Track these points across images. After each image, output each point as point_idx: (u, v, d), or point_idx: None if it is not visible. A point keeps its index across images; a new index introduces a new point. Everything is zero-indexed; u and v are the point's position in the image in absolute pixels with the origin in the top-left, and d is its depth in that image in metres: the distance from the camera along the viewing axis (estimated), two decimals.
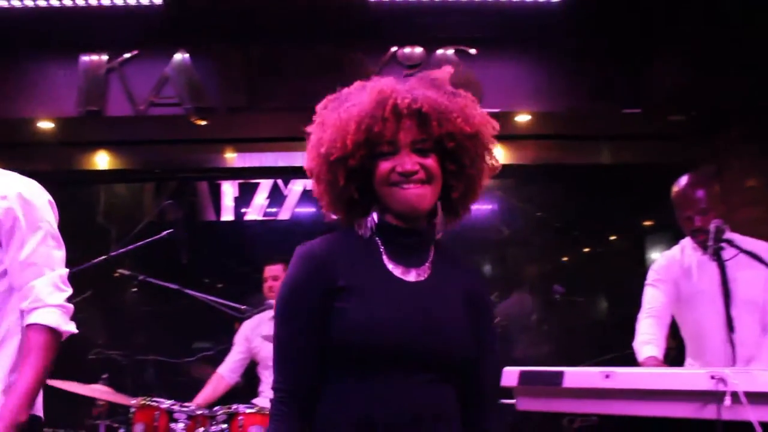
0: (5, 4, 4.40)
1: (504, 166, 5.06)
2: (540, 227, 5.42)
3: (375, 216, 1.53)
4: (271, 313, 4.40)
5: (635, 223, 5.51)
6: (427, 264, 1.54)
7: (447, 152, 1.49)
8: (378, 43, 4.66)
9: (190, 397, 3.83)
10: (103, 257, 3.71)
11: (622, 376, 2.19)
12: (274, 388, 1.49)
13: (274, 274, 4.36)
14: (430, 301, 1.49)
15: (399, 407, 1.42)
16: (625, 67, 4.67)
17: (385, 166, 1.47)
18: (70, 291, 2.03)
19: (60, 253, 2.06)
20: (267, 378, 4.37)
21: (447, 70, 1.67)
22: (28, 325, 1.93)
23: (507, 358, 5.14)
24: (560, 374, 2.36)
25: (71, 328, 2.01)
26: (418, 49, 4.67)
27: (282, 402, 1.47)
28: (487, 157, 1.57)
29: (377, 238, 1.53)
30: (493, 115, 4.75)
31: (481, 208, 5.52)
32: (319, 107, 1.62)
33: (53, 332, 1.94)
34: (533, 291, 5.35)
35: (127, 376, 4.22)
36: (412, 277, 1.51)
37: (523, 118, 4.79)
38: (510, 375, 2.50)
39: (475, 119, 1.53)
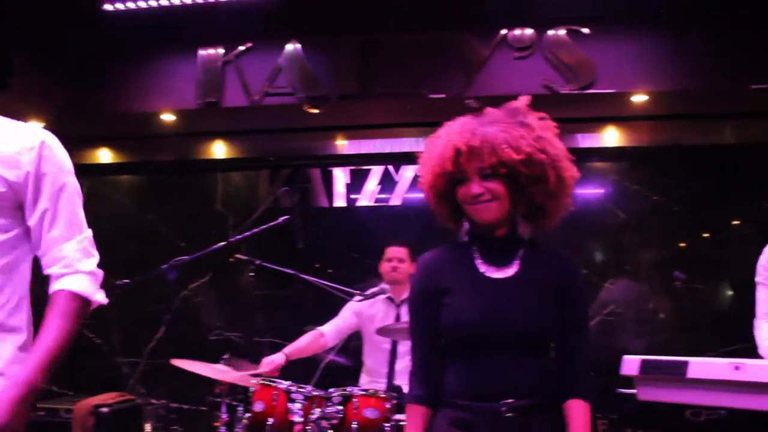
0: (131, 5, 4.65)
1: (618, 148, 4.91)
2: (657, 211, 5.20)
3: (467, 225, 1.95)
4: (383, 297, 4.45)
5: (760, 206, 5.20)
6: (516, 261, 1.91)
7: (508, 175, 1.82)
8: (488, 27, 4.59)
9: (304, 379, 3.94)
10: (223, 243, 3.87)
11: (753, 369, 2.09)
12: (411, 365, 1.99)
13: (400, 256, 4.34)
14: (511, 292, 1.87)
15: (496, 379, 1.82)
16: (750, 40, 4.39)
17: (461, 190, 1.87)
18: (97, 256, 1.85)
19: (83, 213, 1.85)
20: (371, 361, 4.43)
21: (524, 100, 2.02)
22: (57, 291, 1.76)
23: (622, 347, 5.00)
24: (684, 364, 2.28)
25: (101, 298, 1.83)
26: (529, 31, 4.57)
27: (413, 373, 1.97)
28: (552, 174, 1.86)
29: (472, 245, 1.94)
30: (608, 96, 4.60)
31: (594, 192, 5.37)
32: (426, 142, 2.00)
33: (84, 301, 1.78)
34: (650, 277, 5.16)
35: (245, 357, 4.37)
36: (499, 274, 1.90)
37: (639, 98, 4.61)
38: (630, 364, 2.43)
39: (525, 147, 1.82)
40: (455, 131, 1.89)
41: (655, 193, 5.18)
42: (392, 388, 4.15)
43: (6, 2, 4.50)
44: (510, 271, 1.90)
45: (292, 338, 5.36)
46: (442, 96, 4.58)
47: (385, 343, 4.34)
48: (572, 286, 1.94)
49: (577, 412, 1.87)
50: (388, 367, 4.29)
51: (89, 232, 1.85)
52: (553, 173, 1.86)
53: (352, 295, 4.27)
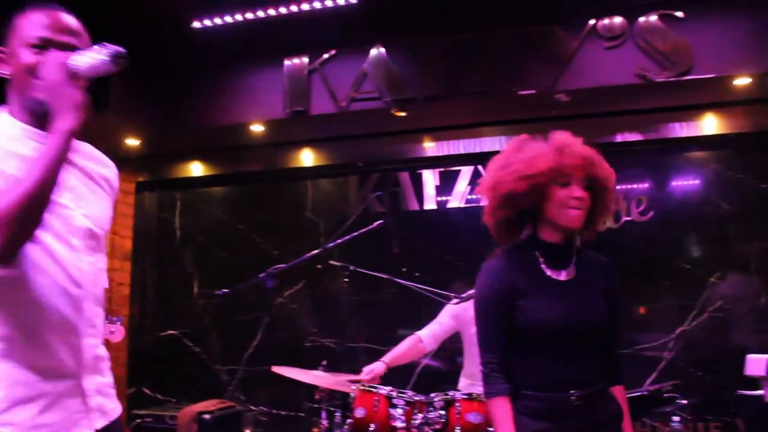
0: (218, 21, 4.74)
1: (719, 135, 4.65)
2: (763, 201, 4.93)
3: (526, 233, 2.19)
4: None
5: None
6: (571, 265, 2.15)
7: (593, 188, 2.09)
8: (575, 18, 4.46)
9: (401, 383, 3.92)
10: (319, 250, 3.90)
11: None
12: (483, 363, 2.12)
13: None
14: (576, 293, 2.11)
15: (565, 371, 2.04)
16: None
17: (562, 192, 2.06)
18: None
19: None
20: (470, 367, 4.36)
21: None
22: None
23: (734, 346, 4.75)
24: None
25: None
26: (619, 19, 4.40)
27: (492, 370, 2.10)
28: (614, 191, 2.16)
29: (535, 251, 2.15)
30: (707, 82, 4.37)
31: (693, 183, 5.13)
32: (514, 144, 2.22)
33: None
34: (760, 270, 4.89)
35: (341, 363, 4.39)
36: (563, 276, 2.14)
37: (741, 81, 4.37)
38: (756, 364, 2.28)
39: (609, 166, 2.14)
40: (560, 140, 2.13)
41: (763, 181, 4.91)
42: None
43: (100, 25, 4.67)
44: (570, 274, 2.15)
45: (386, 343, 5.35)
46: (532, 92, 4.47)
47: None
48: (613, 287, 2.20)
49: (623, 397, 2.18)
50: None
51: None
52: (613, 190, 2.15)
53: (447, 298, 4.22)
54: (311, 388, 4.14)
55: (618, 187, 5.04)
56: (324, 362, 4.09)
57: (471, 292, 4.35)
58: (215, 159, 5.96)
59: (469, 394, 3.56)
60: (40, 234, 1.53)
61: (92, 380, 1.67)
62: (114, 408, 1.75)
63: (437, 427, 3.48)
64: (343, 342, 4.76)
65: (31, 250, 1.54)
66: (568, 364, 2.06)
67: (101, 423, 1.67)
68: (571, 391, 2.02)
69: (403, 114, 4.74)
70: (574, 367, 2.06)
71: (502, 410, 2.06)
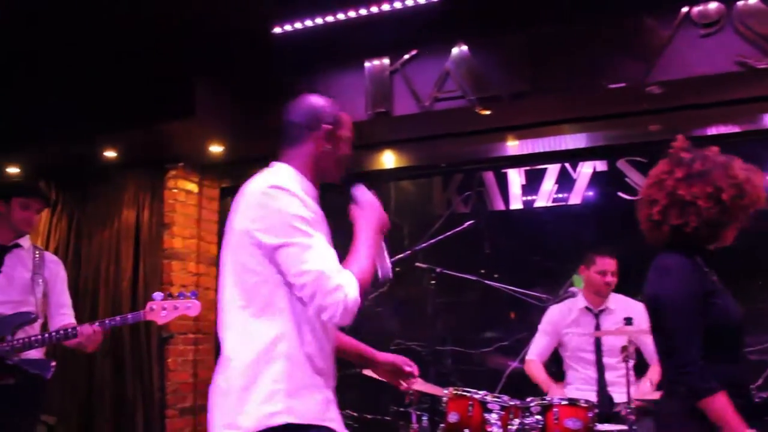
0: (298, 26, 4.76)
1: None
2: None
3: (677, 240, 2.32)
4: (578, 302, 4.24)
5: None
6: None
7: None
8: (667, 6, 4.27)
9: (487, 388, 3.82)
10: (408, 252, 3.86)
11: None
12: (689, 362, 2.14)
13: (613, 269, 4.15)
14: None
15: (745, 367, 2.31)
16: None
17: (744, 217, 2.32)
18: None
19: None
20: (574, 371, 4.23)
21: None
22: None
23: None
24: None
25: None
26: (714, 5, 4.18)
27: (699, 369, 2.12)
28: None
29: (694, 255, 2.29)
30: None
31: None
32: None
33: None
34: None
35: (428, 366, 4.32)
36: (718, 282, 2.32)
37: None
38: None
39: None
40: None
41: None
42: (605, 398, 3.97)
43: (183, 33, 4.75)
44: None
45: (473, 346, 5.27)
46: (622, 85, 4.30)
47: (589, 353, 4.14)
48: None
49: None
50: (597, 377, 4.09)
51: None
52: None
53: (539, 300, 4.13)
54: (397, 392, 4.10)
55: None
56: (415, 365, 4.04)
57: (570, 292, 4.26)
58: None
59: (569, 400, 3.46)
60: None
61: None
62: None
63: None
64: (430, 345, 4.68)
65: None
66: (740, 361, 2.25)
67: None
68: (750, 386, 2.25)
69: (487, 112, 4.63)
70: (743, 364, 2.30)
71: (727, 403, 2.09)
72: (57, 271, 3.83)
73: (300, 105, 2.28)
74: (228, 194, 6.37)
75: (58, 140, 5.45)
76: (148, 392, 5.59)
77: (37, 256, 3.76)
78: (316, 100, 2.27)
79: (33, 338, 3.52)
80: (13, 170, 6.17)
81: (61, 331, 3.57)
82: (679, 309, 2.21)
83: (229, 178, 6.26)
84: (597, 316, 4.20)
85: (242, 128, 5.26)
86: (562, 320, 4.28)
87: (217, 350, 6.16)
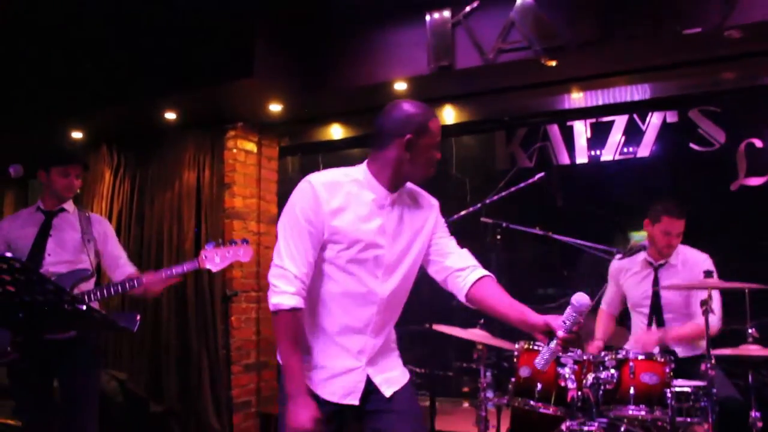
0: None
1: None
2: None
3: None
4: (641, 255, 4.15)
5: None
6: None
7: None
8: None
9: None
10: (478, 205, 3.81)
11: None
12: None
13: (680, 230, 4.00)
14: None
15: None
16: None
17: None
18: None
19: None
20: (636, 323, 4.17)
21: None
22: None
23: None
24: None
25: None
26: None
27: None
28: None
29: None
30: None
31: None
32: None
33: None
34: None
35: (493, 322, 4.28)
36: None
37: None
38: None
39: None
40: None
41: None
42: (667, 352, 3.88)
43: None
44: None
45: (538, 301, 5.22)
46: (698, 30, 4.11)
47: (645, 307, 4.07)
48: None
49: None
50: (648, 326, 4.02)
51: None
52: None
53: (609, 253, 4.04)
54: (463, 348, 4.07)
55: None
56: (481, 320, 4.02)
57: (636, 246, 4.15)
58: (357, 121, 5.94)
59: (645, 354, 3.40)
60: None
61: None
62: None
63: (609, 387, 3.34)
64: None
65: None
66: None
67: None
68: None
69: (553, 63, 4.49)
70: None
71: None
72: (104, 227, 3.94)
73: (390, 110, 2.41)
74: (287, 153, 6.38)
75: (118, 103, 5.50)
76: (212, 349, 5.69)
77: (83, 217, 3.86)
78: (407, 108, 2.39)
79: (103, 289, 3.64)
80: (76, 135, 6.28)
81: (126, 283, 3.68)
82: None
83: (288, 137, 6.26)
84: (657, 269, 4.09)
85: (301, 87, 5.23)
86: (621, 272, 4.20)
87: None
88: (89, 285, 3.72)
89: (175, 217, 5.95)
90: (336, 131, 6.10)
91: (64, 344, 3.53)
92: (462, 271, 2.53)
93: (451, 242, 2.60)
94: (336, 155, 6.12)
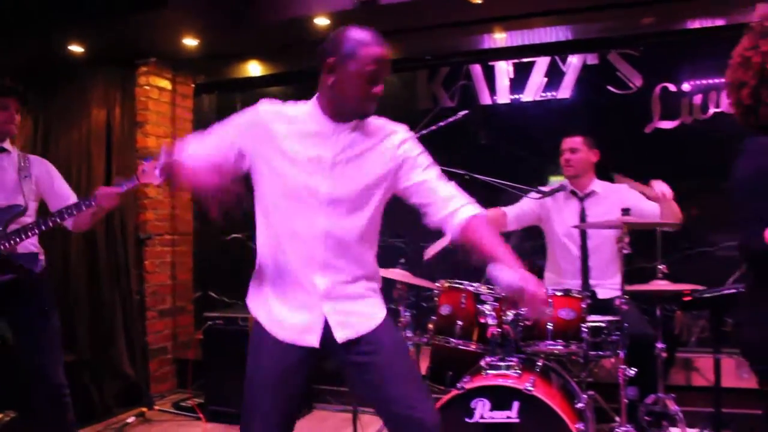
0: None
1: None
2: None
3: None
4: (563, 195, 4.20)
5: None
6: None
7: None
8: None
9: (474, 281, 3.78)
10: None
11: None
12: (744, 237, 2.02)
13: (572, 146, 4.14)
14: None
15: None
16: None
17: None
18: None
19: None
20: (556, 262, 4.24)
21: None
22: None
23: None
24: None
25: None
26: None
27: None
28: None
29: None
30: None
31: None
32: None
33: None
34: None
35: (413, 263, 4.28)
36: None
37: None
38: None
39: None
40: None
41: None
42: (586, 288, 3.97)
43: None
44: None
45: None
46: None
47: (572, 242, 4.13)
48: None
49: None
50: (581, 266, 4.09)
51: None
52: None
53: (528, 193, 4.07)
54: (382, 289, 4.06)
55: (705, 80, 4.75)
56: (402, 260, 4.00)
57: (554, 186, 4.19)
58: (276, 58, 5.75)
59: (563, 290, 3.46)
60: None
61: None
62: None
63: (528, 323, 3.40)
64: (415, 241, 4.64)
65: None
66: None
67: None
68: None
69: (477, 1, 4.43)
70: None
71: None
72: (46, 167, 3.78)
73: (333, 34, 2.28)
74: (203, 91, 6.14)
75: (18, 35, 5.11)
76: (126, 295, 5.51)
77: (23, 158, 3.71)
78: (345, 31, 2.25)
79: (48, 220, 3.51)
80: None
81: (81, 204, 3.53)
82: (742, 188, 2.03)
83: (204, 74, 6.02)
84: (582, 200, 4.16)
85: (218, 20, 4.98)
86: (546, 203, 4.22)
87: (194, 252, 6.07)
88: (28, 220, 3.57)
89: (84, 159, 5.64)
90: (254, 68, 5.89)
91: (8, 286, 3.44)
92: (447, 214, 2.34)
93: (430, 178, 2.39)
94: (254, 93, 5.91)
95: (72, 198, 3.75)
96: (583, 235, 4.09)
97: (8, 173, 3.62)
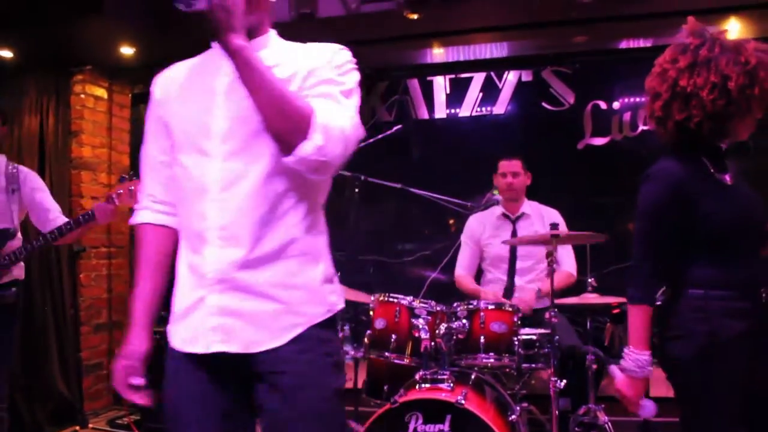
0: None
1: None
2: None
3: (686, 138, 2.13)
4: (497, 210, 4.29)
5: None
6: (729, 170, 2.16)
7: None
8: None
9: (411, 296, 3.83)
10: None
11: None
12: (633, 266, 2.13)
13: (514, 170, 4.22)
14: (742, 195, 2.17)
15: (752, 270, 2.10)
16: None
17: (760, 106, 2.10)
18: None
19: None
20: (488, 277, 4.32)
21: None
22: None
23: None
24: None
25: None
26: None
27: (643, 276, 2.12)
28: None
29: (702, 156, 2.14)
30: None
31: None
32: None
33: None
34: None
35: (350, 275, 4.30)
36: (728, 179, 2.14)
37: None
38: None
39: None
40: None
41: None
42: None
43: None
44: (730, 178, 2.15)
45: (396, 256, 5.29)
46: None
47: (503, 261, 4.22)
48: None
49: None
50: (507, 281, 4.18)
51: None
52: None
53: (462, 207, 4.14)
54: None
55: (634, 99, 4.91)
56: (338, 273, 4.00)
57: (489, 199, 4.28)
58: None
59: (495, 304, 3.51)
60: None
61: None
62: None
63: (461, 336, 3.44)
64: (353, 254, 4.66)
65: None
66: (744, 262, 2.07)
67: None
68: (761, 290, 2.07)
69: (415, 17, 4.48)
70: (756, 267, 2.09)
71: (640, 317, 2.08)
72: (32, 179, 3.73)
73: None
74: (141, 101, 6.04)
75: None
76: (59, 309, 5.36)
77: (11, 170, 3.62)
78: None
79: (35, 243, 3.47)
80: None
81: (79, 217, 3.50)
82: (642, 214, 2.12)
83: (142, 83, 5.91)
84: (514, 222, 4.26)
85: (156, 28, 4.92)
86: (480, 230, 4.33)
87: (131, 264, 5.96)
88: (16, 243, 3.51)
89: None
90: None
91: None
92: None
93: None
94: None
95: (55, 212, 3.67)
96: (513, 252, 4.18)
97: None
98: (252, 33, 1.77)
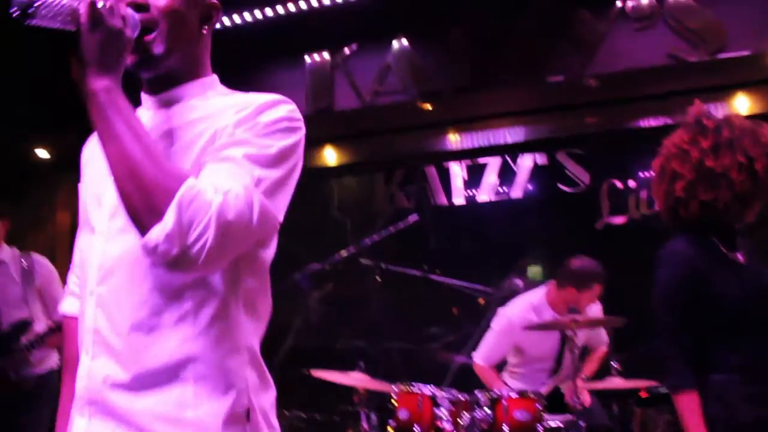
0: (237, 20, 4.65)
1: (752, 116, 4.49)
2: None
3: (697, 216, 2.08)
4: (528, 298, 4.13)
5: None
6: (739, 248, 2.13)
7: None
8: (603, 1, 4.34)
9: (436, 383, 3.77)
10: (352, 249, 3.81)
11: None
12: (664, 357, 2.07)
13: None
14: (756, 273, 2.12)
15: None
16: None
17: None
18: None
19: None
20: (530, 375, 4.19)
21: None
22: None
23: None
24: None
25: None
26: (646, 0, 4.28)
27: (677, 365, 2.04)
28: None
29: (712, 236, 2.09)
30: (739, 60, 4.20)
31: None
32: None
33: None
34: None
35: (375, 364, 4.29)
36: (740, 258, 2.11)
37: None
38: None
39: None
40: None
41: None
42: (557, 391, 3.97)
43: None
44: (742, 257, 2.11)
45: (420, 342, 5.27)
46: (560, 79, 4.36)
47: (549, 360, 4.07)
48: None
49: None
50: (551, 368, 4.06)
51: None
52: None
53: (485, 294, 4.13)
54: (344, 391, 4.03)
55: (649, 176, 4.94)
56: (361, 363, 3.99)
57: (515, 283, 4.27)
58: None
59: (518, 392, 3.47)
60: None
61: None
62: None
63: (484, 426, 3.39)
64: (377, 343, 4.66)
65: None
66: (758, 346, 2.02)
67: None
68: None
69: (429, 107, 4.63)
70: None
71: (691, 404, 2.00)
72: (47, 270, 3.73)
73: None
74: None
75: None
76: None
77: (24, 263, 3.63)
78: None
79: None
80: None
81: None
82: (660, 302, 2.09)
83: None
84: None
85: None
86: (522, 328, 3.93)
87: None
88: (38, 327, 3.52)
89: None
90: None
91: None
92: None
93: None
94: None
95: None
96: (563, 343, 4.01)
97: (9, 286, 3.54)
98: (178, 76, 1.36)
